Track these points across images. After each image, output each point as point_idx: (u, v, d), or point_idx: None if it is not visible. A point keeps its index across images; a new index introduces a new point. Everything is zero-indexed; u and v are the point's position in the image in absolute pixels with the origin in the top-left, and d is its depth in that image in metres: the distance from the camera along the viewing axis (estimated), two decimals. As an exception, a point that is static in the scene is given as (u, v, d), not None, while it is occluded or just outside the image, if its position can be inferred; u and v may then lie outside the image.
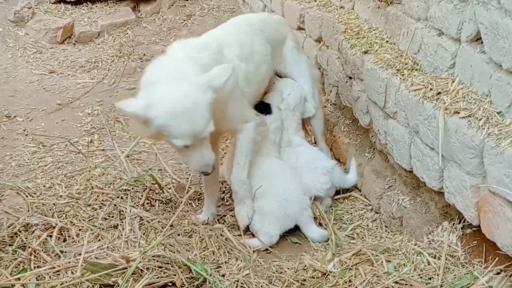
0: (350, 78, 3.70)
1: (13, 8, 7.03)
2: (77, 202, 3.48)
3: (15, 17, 6.93)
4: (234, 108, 3.32)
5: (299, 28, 4.83)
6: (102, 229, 3.17)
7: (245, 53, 3.52)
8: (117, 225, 3.23)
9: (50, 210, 3.34)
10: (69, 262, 2.71)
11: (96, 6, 7.72)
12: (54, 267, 2.68)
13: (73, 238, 3.07)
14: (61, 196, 3.58)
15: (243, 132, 3.41)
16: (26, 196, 3.53)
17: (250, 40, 3.62)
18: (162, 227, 3.26)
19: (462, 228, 2.75)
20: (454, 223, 2.79)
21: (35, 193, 3.62)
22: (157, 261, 2.73)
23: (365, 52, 3.39)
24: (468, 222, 2.57)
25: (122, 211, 3.38)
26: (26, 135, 4.81)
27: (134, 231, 3.18)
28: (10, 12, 7.05)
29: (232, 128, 3.45)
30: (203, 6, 7.93)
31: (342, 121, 4.06)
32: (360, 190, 3.71)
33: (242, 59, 3.47)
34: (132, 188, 3.63)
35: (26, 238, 2.98)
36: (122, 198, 3.53)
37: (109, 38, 7.16)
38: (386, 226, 3.34)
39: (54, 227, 3.09)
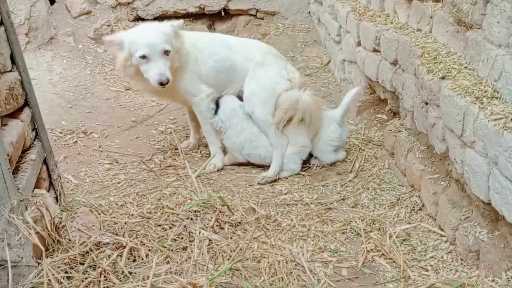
0: (426, 103, 3.58)
1: (93, 26, 7.24)
2: (147, 221, 3.52)
3: (95, 34, 7.14)
4: (187, 76, 4.44)
5: (374, 50, 4.74)
6: (171, 250, 3.18)
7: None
8: (186, 247, 3.23)
9: (121, 229, 3.39)
10: (137, 286, 2.72)
11: (173, 24, 7.86)
12: (122, 290, 2.71)
13: (142, 259, 3.08)
14: (132, 215, 3.63)
15: (193, 105, 4.58)
16: (99, 214, 3.61)
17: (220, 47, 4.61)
18: (231, 251, 3.24)
19: (544, 266, 2.61)
20: (535, 261, 2.65)
21: (107, 211, 3.68)
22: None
23: (443, 78, 3.27)
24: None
25: (192, 232, 3.38)
26: (101, 151, 4.91)
27: (202, 254, 3.18)
28: (90, 29, 7.25)
29: (185, 95, 4.53)
30: (278, 25, 7.94)
31: (417, 147, 3.94)
32: (435, 220, 3.58)
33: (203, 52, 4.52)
34: (202, 210, 3.62)
35: (97, 257, 3.02)
36: (192, 219, 3.53)
37: (184, 56, 7.25)
38: (461, 259, 3.20)
39: (124, 247, 3.11)
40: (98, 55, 6.99)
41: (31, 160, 3.21)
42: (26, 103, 3.35)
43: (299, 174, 4.48)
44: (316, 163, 4.61)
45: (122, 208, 3.76)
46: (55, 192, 3.58)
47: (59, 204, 3.54)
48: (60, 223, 3.31)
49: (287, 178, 4.42)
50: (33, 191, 3.08)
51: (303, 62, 6.87)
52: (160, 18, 7.82)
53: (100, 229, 3.36)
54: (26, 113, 3.31)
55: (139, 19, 7.83)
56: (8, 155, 2.79)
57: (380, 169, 4.42)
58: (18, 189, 2.86)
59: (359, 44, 5.24)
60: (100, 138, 5.16)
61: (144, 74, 4.20)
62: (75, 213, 3.45)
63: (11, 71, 3.20)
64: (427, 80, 3.45)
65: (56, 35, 6.96)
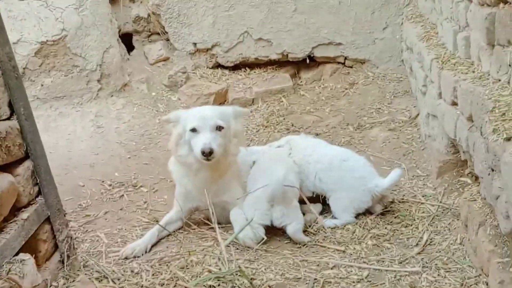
0: (492, 170, 2.88)
1: (169, 73, 7.01)
2: (156, 295, 3.06)
3: (169, 82, 6.91)
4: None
5: (453, 103, 4.05)
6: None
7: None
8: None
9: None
10: None
11: (254, 72, 7.52)
12: None
13: None
14: (142, 286, 3.17)
15: None
16: (108, 282, 3.19)
17: None
18: None
19: None
20: None
21: (118, 279, 3.26)
22: None
23: (508, 140, 2.57)
24: None
25: (199, 314, 2.87)
26: (145, 208, 4.54)
27: None
28: (165, 76, 7.04)
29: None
30: (367, 74, 7.33)
31: (489, 221, 3.20)
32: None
33: None
34: (218, 285, 3.09)
35: None
36: (204, 296, 3.02)
37: (263, 106, 6.86)
38: None
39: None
40: (170, 103, 6.73)
41: (22, 219, 2.85)
42: (26, 155, 3.01)
43: (354, 246, 3.82)
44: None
45: (135, 277, 3.32)
46: (61, 256, 3.21)
47: (64, 269, 3.17)
48: (52, 293, 2.93)
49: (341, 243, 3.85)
50: (16, 255, 2.71)
51: (389, 115, 6.22)
52: (241, 65, 7.50)
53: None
54: (24, 167, 2.97)
55: (218, 66, 7.53)
56: (-23, 216, 2.44)
57: (451, 244, 3.69)
58: (-13, 254, 2.50)
59: (440, 96, 4.55)
60: (149, 193, 4.80)
61: (193, 149, 3.94)
62: (72, 281, 3.04)
63: (8, 119, 2.89)
64: (492, 141, 2.76)
65: (130, 82, 6.81)
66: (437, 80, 4.56)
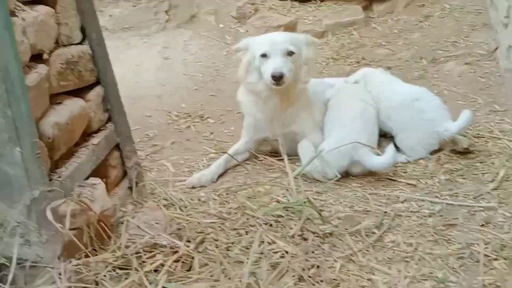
0: None
1: (237, 4, 6.89)
2: (223, 223, 3.06)
3: (237, 13, 6.81)
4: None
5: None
6: (229, 263, 2.66)
7: None
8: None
9: (190, 230, 2.94)
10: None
11: (325, 4, 7.35)
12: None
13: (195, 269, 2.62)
14: (209, 214, 3.18)
15: None
16: (175, 209, 3.21)
17: None
18: (304, 270, 2.65)
19: None
20: None
21: (185, 207, 3.27)
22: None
23: None
24: None
25: (264, 241, 2.84)
26: (212, 139, 4.54)
27: (267, 270, 2.62)
28: (233, 8, 6.94)
29: None
30: (444, 6, 7.04)
31: None
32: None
33: None
34: (287, 215, 3.06)
35: (144, 262, 2.60)
36: (271, 225, 2.99)
37: (333, 39, 6.71)
38: None
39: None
40: (238, 35, 6.61)
41: (92, 144, 2.86)
42: (97, 81, 3.00)
43: (426, 181, 3.71)
44: None
45: (203, 205, 3.33)
46: (129, 182, 3.23)
47: (132, 195, 3.20)
48: (122, 217, 2.95)
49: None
50: (87, 179, 2.74)
51: (466, 48, 5.95)
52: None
53: (166, 228, 2.93)
54: (95, 92, 2.97)
55: (288, -4, 7.32)
56: (49, 138, 2.45)
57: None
58: (59, 177, 2.52)
59: (525, 27, 4.30)
60: (215, 124, 4.78)
61: (262, 75, 3.87)
62: (141, 207, 3.06)
63: (80, 44, 2.87)
64: None
65: (198, 13, 6.73)
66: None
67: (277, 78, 3.72)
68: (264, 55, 3.83)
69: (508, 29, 5.08)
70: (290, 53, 3.82)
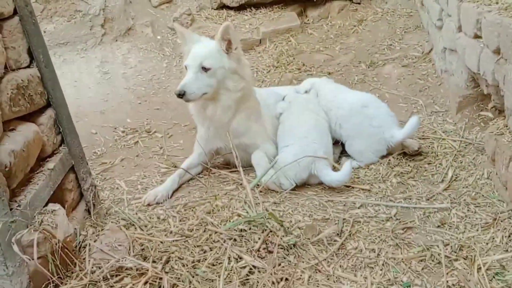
0: (530, 103, 2.81)
1: (173, 15, 6.84)
2: (186, 241, 3.03)
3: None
4: None
5: (476, 36, 3.94)
6: (198, 281, 2.64)
7: None
8: (219, 276, 2.68)
9: (153, 250, 2.90)
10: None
11: (260, 12, 7.35)
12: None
13: (165, 291, 2.58)
14: (171, 232, 3.14)
15: None
16: (135, 229, 3.16)
17: None
18: (273, 283, 2.65)
19: None
20: None
21: (145, 226, 3.23)
22: None
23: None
24: None
25: (231, 257, 2.83)
26: (162, 153, 4.48)
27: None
28: (170, 19, 6.87)
29: None
30: (376, 10, 7.18)
31: (522, 154, 3.16)
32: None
33: None
34: (249, 229, 3.06)
35: (112, 287, 2.55)
36: (235, 240, 2.98)
37: (271, 46, 6.71)
38: None
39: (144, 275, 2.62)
40: (177, 46, 6.56)
41: (48, 169, 2.79)
42: (48, 104, 2.92)
43: (379, 185, 3.79)
44: None
45: (163, 223, 3.29)
46: (86, 205, 3.16)
47: (91, 218, 3.13)
48: (83, 242, 2.89)
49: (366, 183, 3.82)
50: (45, 206, 2.66)
51: (401, 51, 6.10)
52: (246, 5, 7.31)
53: (129, 250, 2.88)
54: (47, 115, 2.89)
55: (223, 7, 7.32)
56: (6, 167, 2.37)
57: (478, 179, 3.65)
58: (19, 205, 2.43)
59: (459, 29, 4.43)
60: (163, 138, 4.73)
61: None
62: (101, 230, 3.00)
63: (28, 67, 2.79)
64: (530, 74, 2.68)
65: (134, 26, 6.63)
66: (456, 13, 4.44)
67: (178, 96, 3.78)
68: (185, 67, 3.87)
69: (441, 31, 5.25)
70: (205, 69, 3.79)
